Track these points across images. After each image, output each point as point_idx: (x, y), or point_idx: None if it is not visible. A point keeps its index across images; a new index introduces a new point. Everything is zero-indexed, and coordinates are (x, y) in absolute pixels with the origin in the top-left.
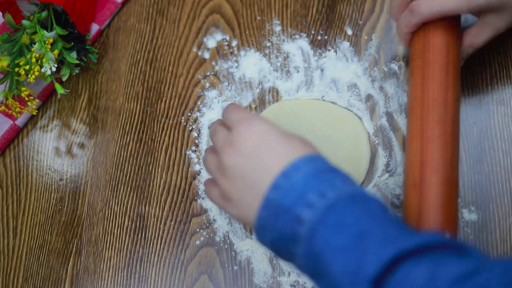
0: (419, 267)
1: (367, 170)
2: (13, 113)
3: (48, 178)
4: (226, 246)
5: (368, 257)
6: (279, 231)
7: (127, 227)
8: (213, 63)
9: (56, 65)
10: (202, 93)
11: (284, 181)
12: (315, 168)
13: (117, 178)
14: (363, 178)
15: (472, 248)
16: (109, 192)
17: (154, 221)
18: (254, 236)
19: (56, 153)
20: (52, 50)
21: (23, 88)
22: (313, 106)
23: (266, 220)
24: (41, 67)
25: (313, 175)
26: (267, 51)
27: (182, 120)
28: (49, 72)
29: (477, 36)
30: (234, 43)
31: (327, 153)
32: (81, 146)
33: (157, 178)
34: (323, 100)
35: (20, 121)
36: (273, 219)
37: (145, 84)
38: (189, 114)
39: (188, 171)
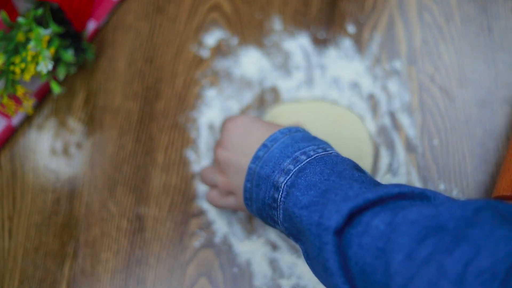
0: (379, 215)
1: (370, 170)
2: (9, 113)
3: (44, 179)
4: (225, 247)
5: (330, 210)
6: (261, 199)
7: (125, 229)
8: (213, 62)
9: (52, 63)
10: (201, 92)
11: (264, 152)
12: (292, 138)
13: (115, 179)
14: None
15: (434, 193)
16: (107, 192)
17: (152, 222)
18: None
19: (53, 153)
20: (48, 48)
21: (18, 87)
22: (313, 108)
23: (250, 191)
24: (37, 64)
25: (290, 144)
26: (267, 50)
27: (181, 120)
28: (45, 71)
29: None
30: (233, 41)
31: None
32: (79, 146)
33: (155, 179)
34: (323, 101)
35: (16, 121)
36: (256, 189)
37: (144, 83)
38: (188, 113)
39: (187, 171)
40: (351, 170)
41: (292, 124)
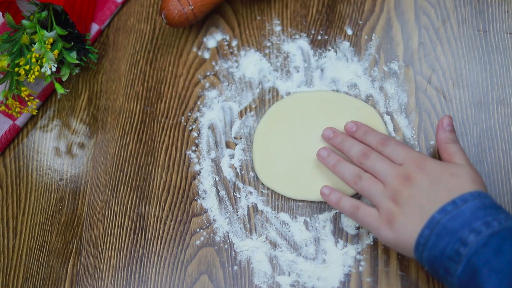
0: None
1: None
2: (13, 113)
3: (48, 178)
4: (226, 246)
5: None
6: (440, 249)
7: (127, 227)
8: (213, 63)
9: (56, 65)
10: (202, 93)
11: (452, 208)
12: (483, 203)
13: (117, 178)
14: None
15: None
16: (109, 192)
17: (154, 221)
18: (412, 255)
19: (56, 153)
20: (52, 50)
21: (23, 88)
22: (327, 97)
23: (427, 238)
24: (41, 67)
25: (480, 208)
26: (267, 51)
27: (182, 120)
28: (49, 72)
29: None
30: (234, 43)
31: None
32: (81, 146)
33: (157, 178)
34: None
35: (20, 121)
36: (435, 238)
37: (145, 84)
38: (189, 114)
39: (188, 171)
40: None
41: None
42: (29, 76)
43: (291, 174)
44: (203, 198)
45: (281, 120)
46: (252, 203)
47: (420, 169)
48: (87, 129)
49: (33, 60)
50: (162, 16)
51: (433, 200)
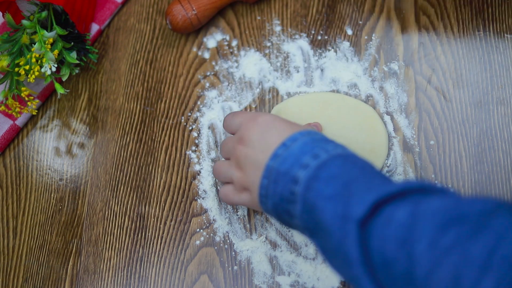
0: (401, 207)
1: (383, 163)
2: (13, 113)
3: (48, 178)
4: (226, 246)
5: (354, 201)
6: (279, 194)
7: (127, 227)
8: (213, 63)
9: (56, 65)
10: (202, 93)
11: (283, 151)
12: (312, 138)
13: (117, 178)
14: (383, 161)
15: (451, 190)
16: (109, 192)
17: (154, 221)
18: (260, 208)
19: (56, 153)
20: (52, 50)
21: (23, 88)
22: (326, 98)
23: (267, 188)
24: (41, 67)
25: (308, 143)
26: (267, 51)
27: (182, 120)
28: (49, 72)
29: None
30: (234, 43)
31: (344, 142)
32: (81, 146)
33: (157, 178)
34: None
35: (20, 121)
36: (273, 185)
37: (145, 84)
38: (189, 114)
39: (188, 171)
40: (371, 167)
41: (309, 127)
42: (29, 76)
43: None
44: (203, 198)
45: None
46: None
47: (252, 125)
48: (87, 129)
49: (33, 60)
50: (167, 21)
51: (265, 149)
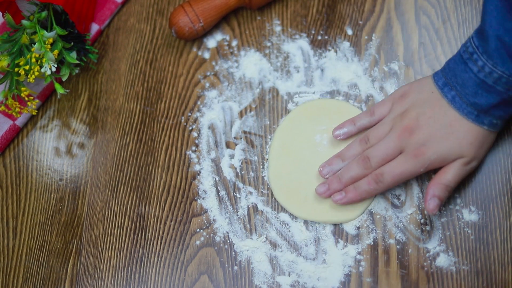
0: None
1: None
2: (13, 113)
3: (48, 178)
4: (226, 246)
5: None
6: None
7: (127, 227)
8: (213, 63)
9: (56, 65)
10: (202, 93)
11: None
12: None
13: (117, 178)
14: None
15: None
16: (109, 192)
17: (154, 221)
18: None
19: (56, 153)
20: (52, 50)
21: (23, 88)
22: (329, 105)
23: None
24: (41, 67)
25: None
26: (267, 51)
27: (182, 120)
28: (49, 72)
29: (446, 174)
30: (234, 43)
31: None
32: (81, 146)
33: (157, 178)
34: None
35: (20, 121)
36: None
37: (145, 84)
38: (189, 114)
39: (188, 171)
40: None
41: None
42: (29, 76)
43: (305, 195)
44: (203, 198)
45: (294, 134)
46: (252, 203)
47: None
48: (87, 129)
49: (33, 60)
50: (172, 31)
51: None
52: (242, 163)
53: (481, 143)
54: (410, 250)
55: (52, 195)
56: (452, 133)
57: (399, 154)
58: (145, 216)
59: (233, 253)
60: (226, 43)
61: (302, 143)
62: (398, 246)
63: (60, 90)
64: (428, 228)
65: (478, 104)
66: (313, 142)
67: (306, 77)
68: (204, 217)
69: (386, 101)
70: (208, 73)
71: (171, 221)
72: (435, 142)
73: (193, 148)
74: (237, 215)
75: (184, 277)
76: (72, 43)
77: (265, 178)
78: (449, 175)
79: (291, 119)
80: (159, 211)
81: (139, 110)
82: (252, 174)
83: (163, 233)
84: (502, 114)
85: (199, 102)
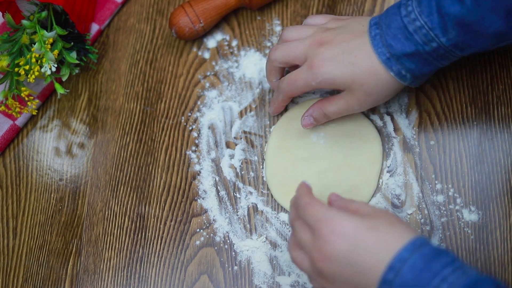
0: None
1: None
2: (13, 113)
3: (48, 178)
4: (226, 246)
5: None
6: None
7: (127, 227)
8: (213, 63)
9: (56, 65)
10: (202, 93)
11: (393, 275)
12: (422, 255)
13: (117, 178)
14: (377, 180)
15: None
16: (109, 192)
17: (154, 221)
18: None
19: (56, 153)
20: (52, 50)
21: (23, 88)
22: None
23: None
24: (41, 67)
25: (423, 268)
26: (267, 51)
27: (182, 120)
28: (49, 72)
29: (330, 103)
30: (234, 43)
31: (341, 158)
32: (81, 146)
33: (157, 178)
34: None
35: (20, 121)
36: None
37: (145, 84)
38: (189, 114)
39: (188, 171)
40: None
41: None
42: (29, 76)
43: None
44: (203, 198)
45: (290, 133)
46: (252, 203)
47: (334, 238)
48: (87, 129)
49: (33, 60)
50: (172, 31)
51: (361, 270)
52: (242, 163)
53: (375, 87)
54: None
55: (52, 195)
56: (354, 63)
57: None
58: (145, 216)
59: (233, 253)
60: (226, 43)
61: (298, 142)
62: None
63: (60, 90)
64: (428, 228)
65: (392, 47)
66: (310, 141)
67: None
68: (204, 217)
69: (328, 16)
70: (208, 73)
71: (171, 221)
72: (335, 63)
73: (193, 148)
74: (237, 215)
75: (184, 277)
76: (72, 43)
77: (264, 178)
78: (332, 107)
79: (288, 118)
80: (159, 211)
81: (139, 110)
82: (252, 174)
83: (163, 233)
84: (413, 68)
85: (199, 102)
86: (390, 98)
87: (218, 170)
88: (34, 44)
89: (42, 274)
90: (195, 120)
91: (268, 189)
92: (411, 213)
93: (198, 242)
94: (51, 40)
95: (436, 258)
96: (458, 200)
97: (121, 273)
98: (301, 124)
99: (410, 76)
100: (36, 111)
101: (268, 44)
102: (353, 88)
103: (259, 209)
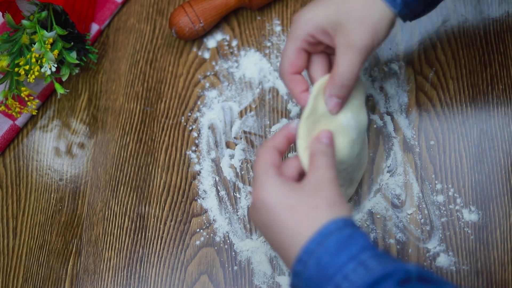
0: None
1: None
2: (13, 113)
3: (48, 178)
4: (226, 246)
5: None
6: None
7: (127, 227)
8: (213, 63)
9: (56, 65)
10: (202, 93)
11: (301, 267)
12: (327, 250)
13: (117, 178)
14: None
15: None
16: (109, 192)
17: (154, 221)
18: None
19: (56, 153)
20: (52, 50)
21: (23, 88)
22: None
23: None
24: (41, 67)
25: (327, 263)
26: (267, 51)
27: (182, 120)
28: (49, 72)
29: (335, 66)
30: (234, 43)
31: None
32: (81, 146)
33: (157, 178)
34: None
35: (20, 121)
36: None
37: (145, 84)
38: (189, 114)
39: (188, 171)
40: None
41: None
42: (29, 76)
43: None
44: (203, 198)
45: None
46: None
47: (252, 217)
48: (87, 129)
49: (33, 60)
50: (172, 31)
51: (278, 246)
52: (242, 163)
53: (364, 11)
54: (410, 250)
55: (52, 195)
56: None
57: None
58: (145, 216)
59: (233, 253)
60: (226, 43)
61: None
62: (398, 246)
63: (60, 90)
64: (428, 228)
65: None
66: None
67: (306, 77)
68: (204, 217)
69: None
70: (208, 73)
71: (171, 221)
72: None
73: (193, 148)
74: (237, 215)
75: (184, 277)
76: (72, 43)
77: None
78: (340, 67)
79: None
80: (159, 211)
81: (139, 110)
82: (252, 174)
83: (163, 233)
84: None
85: (199, 102)
86: (382, 33)
87: (218, 170)
88: (34, 44)
89: (42, 274)
90: (195, 120)
91: None
92: (411, 213)
93: (198, 242)
94: (51, 40)
95: (342, 250)
96: (458, 200)
97: (121, 273)
98: (328, 110)
99: (401, 1)
100: (36, 111)
101: (268, 44)
102: (341, 22)
103: None
